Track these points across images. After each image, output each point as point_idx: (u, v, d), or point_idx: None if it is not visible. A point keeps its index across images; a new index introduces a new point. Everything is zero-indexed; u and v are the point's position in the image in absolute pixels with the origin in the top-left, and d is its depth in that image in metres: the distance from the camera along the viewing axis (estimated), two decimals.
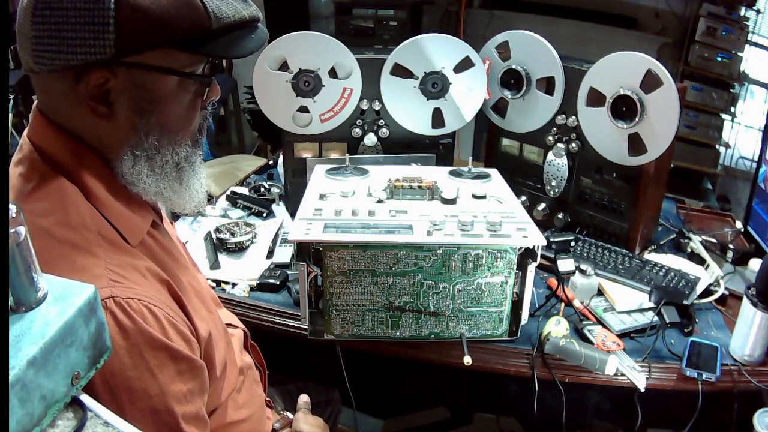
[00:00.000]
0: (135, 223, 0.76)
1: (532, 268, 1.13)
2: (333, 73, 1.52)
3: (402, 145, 1.60)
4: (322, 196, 1.25)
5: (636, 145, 1.44)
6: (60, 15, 0.67)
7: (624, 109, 1.43)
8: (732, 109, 3.18)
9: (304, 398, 1.11)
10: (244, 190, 1.83)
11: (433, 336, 1.16)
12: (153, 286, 0.71)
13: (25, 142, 0.75)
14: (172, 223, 0.99)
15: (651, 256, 1.53)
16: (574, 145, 1.55)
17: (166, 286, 0.74)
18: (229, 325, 1.03)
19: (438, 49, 1.53)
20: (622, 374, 1.15)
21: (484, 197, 1.27)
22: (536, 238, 1.09)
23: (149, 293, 0.69)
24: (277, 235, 1.57)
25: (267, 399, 1.08)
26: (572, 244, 1.45)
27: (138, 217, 0.77)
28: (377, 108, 1.58)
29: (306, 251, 1.09)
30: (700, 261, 1.53)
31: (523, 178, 1.69)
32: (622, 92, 1.41)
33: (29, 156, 0.73)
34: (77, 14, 0.67)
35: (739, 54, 3.10)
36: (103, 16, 0.67)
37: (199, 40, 0.72)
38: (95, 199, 0.72)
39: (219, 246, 1.49)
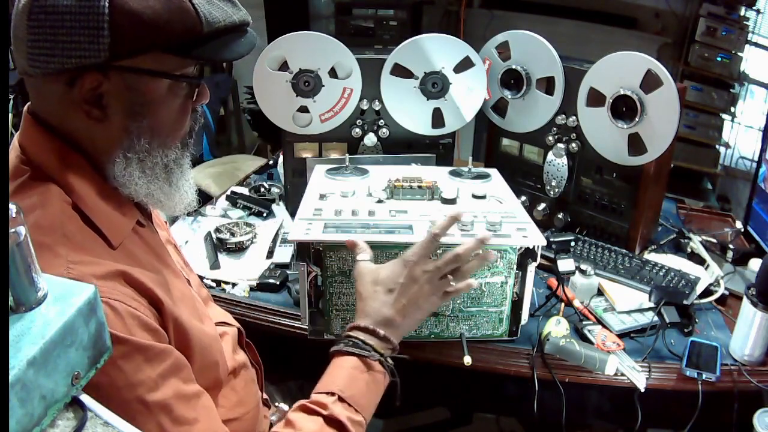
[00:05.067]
0: (118, 223, 0.76)
1: (532, 268, 1.13)
2: (333, 73, 1.52)
3: (402, 145, 1.60)
4: (322, 196, 1.25)
5: (636, 145, 1.44)
6: (55, 19, 0.67)
7: (624, 109, 1.43)
8: (732, 109, 3.17)
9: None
10: (244, 190, 1.83)
11: (433, 336, 1.16)
12: (114, 279, 0.70)
13: (13, 145, 0.76)
14: (166, 223, 0.99)
15: (651, 256, 1.53)
16: (574, 145, 1.55)
17: (132, 282, 0.72)
18: (223, 323, 1.02)
19: (438, 49, 1.53)
20: (622, 374, 1.15)
21: (484, 197, 1.27)
22: (536, 238, 1.09)
23: (108, 287, 0.68)
24: (277, 235, 1.57)
25: (264, 397, 1.08)
26: (572, 244, 1.45)
27: (121, 216, 0.77)
28: (377, 108, 1.58)
29: (306, 251, 1.09)
30: (700, 261, 1.53)
31: (523, 178, 1.69)
32: (622, 92, 1.41)
33: (14, 159, 0.74)
34: (72, 18, 0.67)
35: (739, 54, 3.10)
36: (98, 20, 0.67)
37: (191, 44, 0.73)
38: (78, 199, 0.73)
39: (219, 246, 1.49)
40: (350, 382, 0.84)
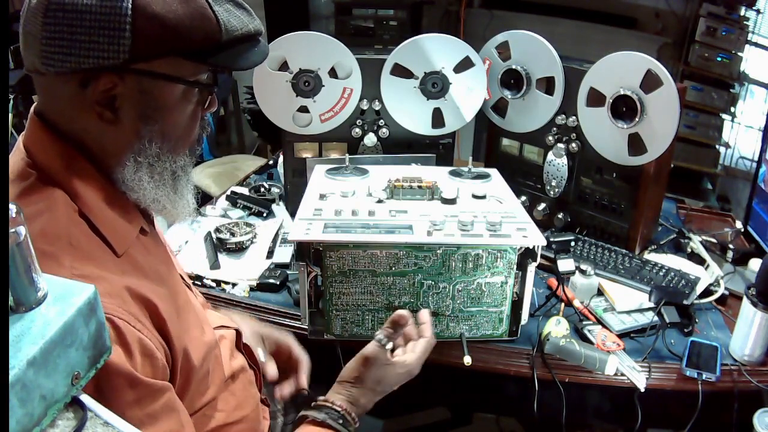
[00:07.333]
0: (123, 230, 0.75)
1: (532, 268, 1.13)
2: (333, 73, 1.52)
3: (402, 145, 1.61)
4: (322, 196, 1.25)
5: (636, 145, 1.44)
6: (74, 17, 0.66)
7: (624, 109, 1.43)
8: (732, 109, 3.17)
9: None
10: (244, 190, 1.83)
11: None
12: (121, 295, 0.69)
13: (18, 147, 0.75)
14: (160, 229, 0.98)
15: (651, 256, 1.53)
16: (574, 145, 1.55)
17: (138, 298, 0.72)
18: (221, 326, 1.02)
19: (438, 49, 1.53)
20: (622, 374, 1.15)
21: (484, 197, 1.27)
22: (536, 238, 1.09)
23: (114, 304, 0.67)
24: (277, 235, 1.57)
25: (263, 397, 1.08)
26: (572, 244, 1.45)
27: (127, 223, 0.76)
28: (377, 108, 1.58)
29: (306, 251, 1.09)
30: (700, 261, 1.53)
31: (523, 178, 1.69)
32: (622, 92, 1.41)
33: (18, 162, 0.73)
34: (92, 17, 0.66)
35: (739, 54, 3.09)
36: (120, 21, 0.66)
37: (209, 51, 0.73)
38: (84, 205, 0.72)
39: (219, 246, 1.49)
40: None
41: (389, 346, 0.94)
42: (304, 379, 1.07)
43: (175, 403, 0.75)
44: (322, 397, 0.92)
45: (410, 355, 0.96)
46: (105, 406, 0.64)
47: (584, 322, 1.27)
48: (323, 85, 1.52)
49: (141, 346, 0.69)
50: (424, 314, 1.01)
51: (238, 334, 1.05)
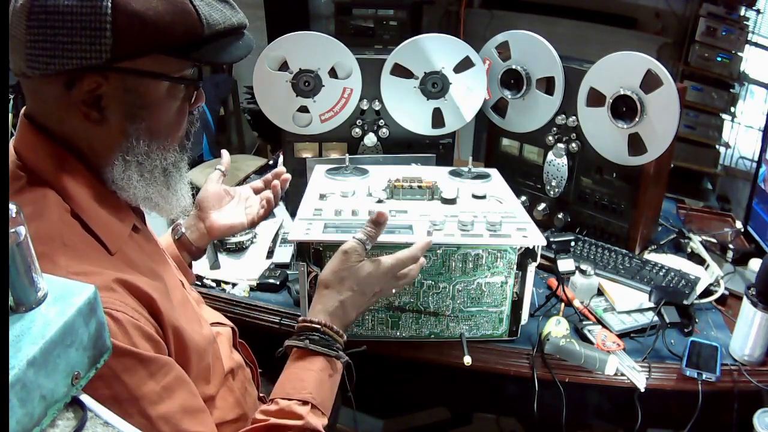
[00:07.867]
0: (116, 229, 0.76)
1: (532, 268, 1.13)
2: (333, 73, 1.52)
3: (402, 145, 1.61)
4: (322, 196, 1.25)
5: (636, 145, 1.44)
6: (56, 19, 0.66)
7: (624, 109, 1.43)
8: (732, 109, 3.18)
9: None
10: None
11: (433, 336, 1.16)
12: (115, 288, 0.70)
13: (9, 151, 0.75)
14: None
15: (651, 256, 1.53)
16: (574, 145, 1.55)
17: (133, 291, 0.72)
18: (217, 323, 1.02)
19: (438, 49, 1.53)
20: (622, 374, 1.15)
21: (484, 197, 1.27)
22: (536, 238, 1.09)
23: (111, 298, 0.68)
24: (277, 235, 1.57)
25: (261, 395, 1.08)
26: (572, 244, 1.45)
27: (119, 221, 0.77)
28: (377, 108, 1.58)
29: (306, 251, 1.09)
30: (700, 261, 1.53)
31: (523, 178, 1.69)
32: (622, 92, 1.41)
33: (9, 165, 0.73)
34: (73, 18, 0.66)
35: (739, 54, 3.10)
36: (100, 21, 0.66)
37: (191, 46, 0.73)
38: (76, 205, 0.72)
39: (219, 246, 1.49)
40: (320, 386, 0.84)
41: (369, 245, 0.93)
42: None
43: (184, 375, 0.76)
44: (301, 318, 0.91)
45: (388, 257, 0.94)
46: (123, 387, 0.66)
47: (584, 322, 1.27)
48: (323, 85, 1.52)
49: (140, 331, 0.70)
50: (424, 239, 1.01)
51: (234, 331, 1.06)
